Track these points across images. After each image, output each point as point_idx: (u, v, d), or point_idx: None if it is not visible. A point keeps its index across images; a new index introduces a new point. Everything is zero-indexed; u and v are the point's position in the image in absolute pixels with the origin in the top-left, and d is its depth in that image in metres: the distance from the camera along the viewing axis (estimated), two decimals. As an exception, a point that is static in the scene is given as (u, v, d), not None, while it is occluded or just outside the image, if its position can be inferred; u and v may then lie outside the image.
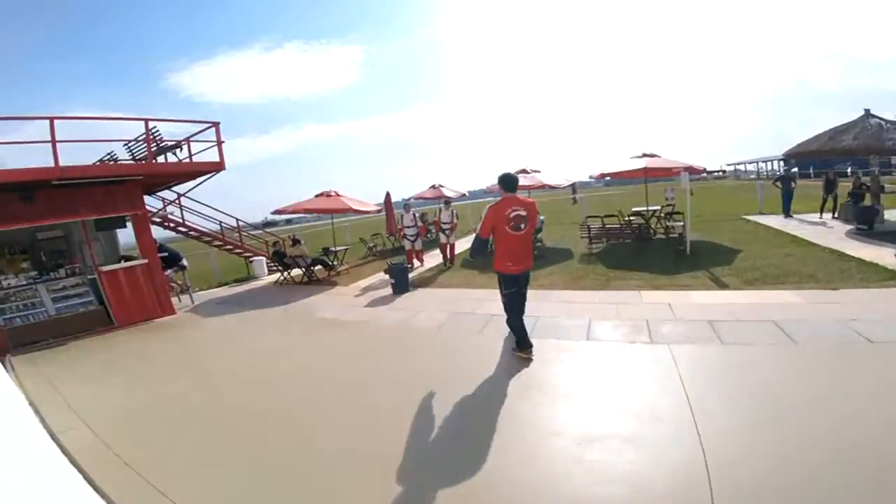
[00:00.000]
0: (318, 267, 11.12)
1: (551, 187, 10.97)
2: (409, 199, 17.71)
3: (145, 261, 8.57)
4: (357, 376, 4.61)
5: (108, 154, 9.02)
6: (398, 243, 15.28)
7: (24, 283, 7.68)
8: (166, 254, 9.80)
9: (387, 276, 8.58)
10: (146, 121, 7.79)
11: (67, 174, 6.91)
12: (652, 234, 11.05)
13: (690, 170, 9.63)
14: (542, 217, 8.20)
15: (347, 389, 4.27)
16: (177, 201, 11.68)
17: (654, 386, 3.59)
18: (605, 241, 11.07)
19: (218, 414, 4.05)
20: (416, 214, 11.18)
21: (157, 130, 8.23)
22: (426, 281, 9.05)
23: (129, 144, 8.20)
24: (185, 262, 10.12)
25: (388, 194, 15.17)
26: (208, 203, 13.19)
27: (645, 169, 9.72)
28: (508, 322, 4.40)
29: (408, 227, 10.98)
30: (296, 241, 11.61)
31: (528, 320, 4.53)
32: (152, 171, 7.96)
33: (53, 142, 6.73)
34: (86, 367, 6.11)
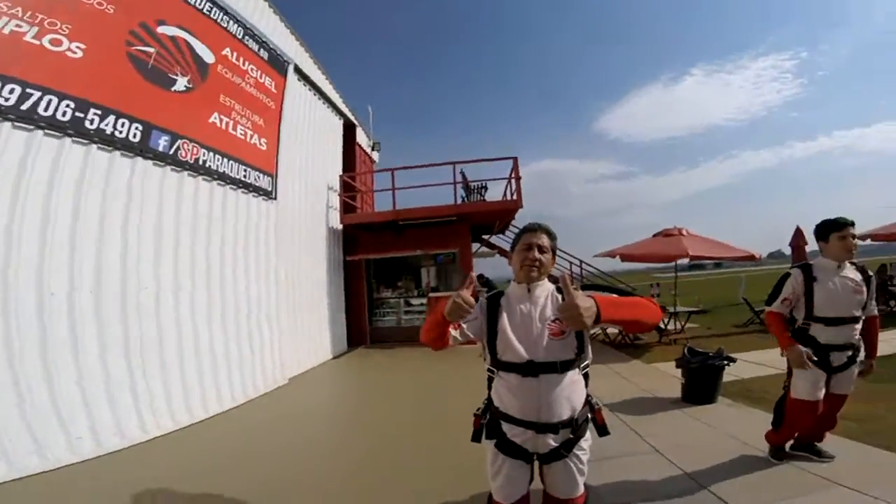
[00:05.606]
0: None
1: None
2: (865, 237, 9.73)
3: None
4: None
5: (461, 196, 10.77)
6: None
7: (393, 296, 10.40)
8: (486, 289, 10.46)
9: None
10: (454, 164, 8.65)
11: (402, 216, 8.73)
12: None
13: None
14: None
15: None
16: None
17: None
18: None
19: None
20: None
21: (462, 173, 8.97)
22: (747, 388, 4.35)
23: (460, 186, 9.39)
24: (503, 298, 10.36)
25: (798, 232, 9.42)
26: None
27: None
28: None
29: None
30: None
31: None
32: (459, 211, 8.66)
33: (393, 189, 8.75)
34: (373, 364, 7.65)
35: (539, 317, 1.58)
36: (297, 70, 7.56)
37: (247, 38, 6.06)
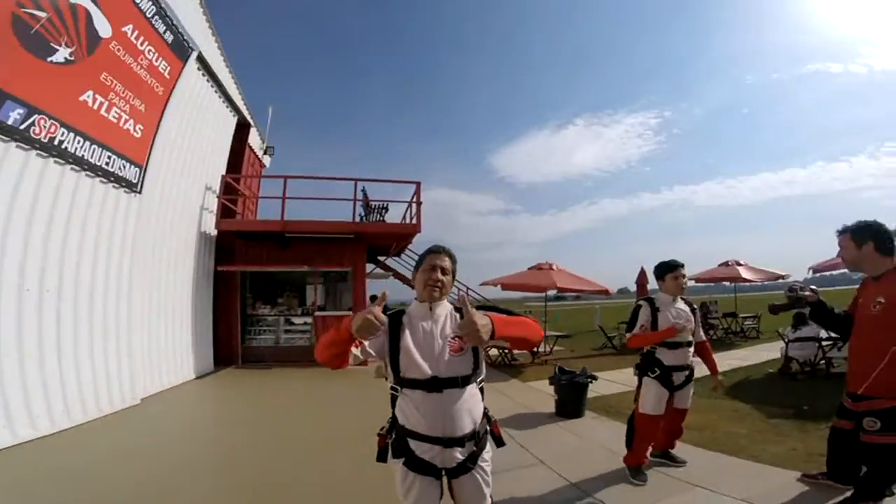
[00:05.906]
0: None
1: None
2: (691, 279, 12.38)
3: (349, 313, 9.10)
4: None
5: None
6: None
7: (272, 314, 9.53)
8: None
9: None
10: (356, 181, 8.58)
11: (291, 228, 8.21)
12: None
13: None
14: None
15: None
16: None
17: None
18: None
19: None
20: None
21: (364, 190, 8.98)
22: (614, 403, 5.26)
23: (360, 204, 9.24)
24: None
25: (642, 272, 11.35)
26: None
27: None
28: None
29: None
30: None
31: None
32: (358, 230, 8.53)
33: (284, 198, 8.25)
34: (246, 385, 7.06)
35: (440, 334, 1.62)
36: (200, 58, 6.75)
37: (156, 17, 5.35)
